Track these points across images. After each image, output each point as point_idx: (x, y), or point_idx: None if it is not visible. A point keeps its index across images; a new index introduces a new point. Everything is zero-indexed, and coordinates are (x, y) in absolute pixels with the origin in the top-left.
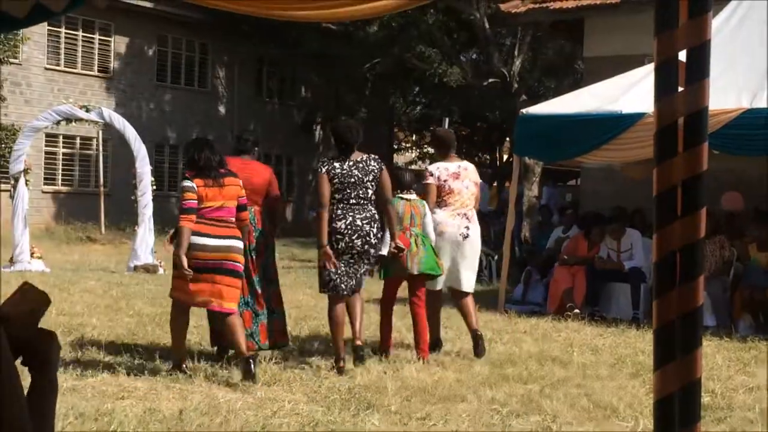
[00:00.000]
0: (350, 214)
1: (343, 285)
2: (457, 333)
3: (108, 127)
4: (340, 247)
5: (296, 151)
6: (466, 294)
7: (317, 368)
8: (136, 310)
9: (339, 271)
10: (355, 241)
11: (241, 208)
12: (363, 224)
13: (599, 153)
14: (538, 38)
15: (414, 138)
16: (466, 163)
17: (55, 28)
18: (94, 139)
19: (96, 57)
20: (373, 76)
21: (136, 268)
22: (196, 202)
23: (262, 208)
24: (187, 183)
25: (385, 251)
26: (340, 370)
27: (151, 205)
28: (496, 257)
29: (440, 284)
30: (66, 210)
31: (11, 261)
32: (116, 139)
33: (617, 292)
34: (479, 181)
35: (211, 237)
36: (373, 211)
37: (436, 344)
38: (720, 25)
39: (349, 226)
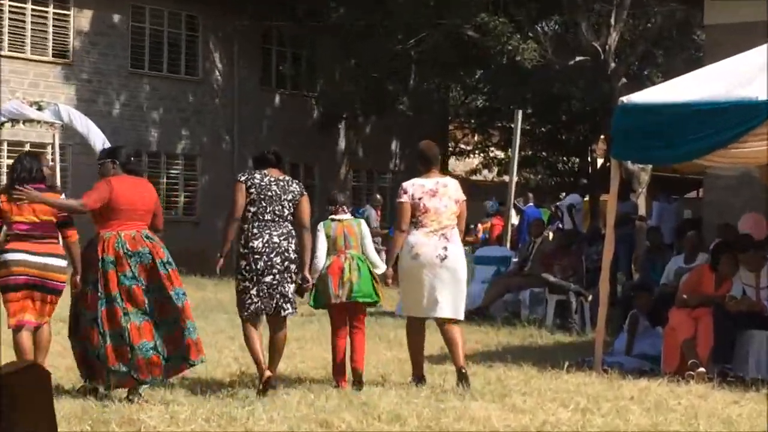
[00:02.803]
0: (266, 231)
1: (263, 306)
2: (539, 400)
3: (67, 130)
4: (259, 267)
5: (316, 157)
6: (448, 321)
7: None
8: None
9: (262, 293)
10: (274, 258)
11: (63, 224)
12: (281, 240)
13: (727, 153)
14: (643, 1)
15: (476, 138)
16: (446, 179)
17: None
18: (49, 146)
19: (50, 37)
20: (419, 55)
21: None
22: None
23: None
24: None
25: (312, 280)
26: (267, 383)
27: None
28: (590, 298)
29: (420, 312)
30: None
31: None
32: (78, 145)
33: (756, 343)
34: (462, 198)
35: (29, 253)
36: (290, 228)
37: (419, 379)
38: None
39: (266, 244)
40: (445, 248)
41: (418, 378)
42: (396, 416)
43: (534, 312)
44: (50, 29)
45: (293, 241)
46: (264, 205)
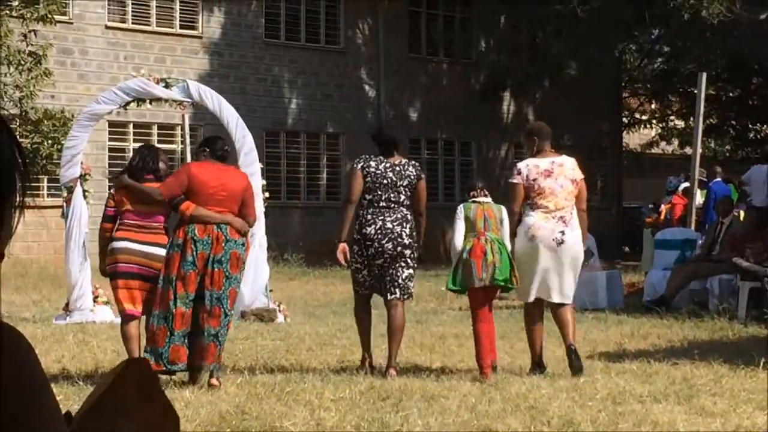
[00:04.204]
0: (380, 218)
1: (378, 285)
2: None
3: (197, 109)
4: (370, 252)
5: (474, 132)
6: (561, 305)
7: None
8: (247, 376)
9: (373, 273)
10: (386, 245)
11: (175, 206)
12: (393, 226)
13: None
14: None
15: (653, 106)
16: (562, 158)
17: None
18: (179, 127)
19: (177, 7)
20: (588, 13)
21: (243, 314)
22: (113, 209)
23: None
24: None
25: (454, 260)
26: (371, 367)
27: (263, 220)
28: None
29: (532, 295)
30: None
31: (66, 309)
32: (210, 125)
33: None
34: (580, 176)
35: (135, 242)
36: (406, 212)
37: (538, 366)
38: None
39: (378, 231)
40: (562, 233)
41: (538, 365)
42: (568, 421)
43: (724, 302)
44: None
45: (408, 226)
46: (379, 193)
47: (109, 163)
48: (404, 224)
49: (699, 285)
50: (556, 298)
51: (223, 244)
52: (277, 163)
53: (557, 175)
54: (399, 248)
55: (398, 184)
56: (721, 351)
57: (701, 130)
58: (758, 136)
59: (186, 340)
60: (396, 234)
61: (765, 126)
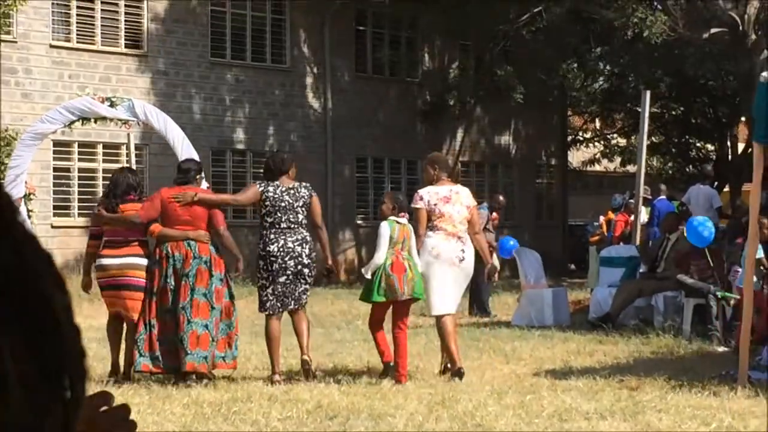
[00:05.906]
0: (282, 237)
1: (279, 304)
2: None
3: (143, 128)
4: (274, 268)
5: (421, 151)
6: (447, 315)
7: None
8: (193, 396)
9: (276, 292)
10: (288, 262)
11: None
12: (295, 246)
13: None
14: None
15: (597, 125)
16: (458, 187)
17: None
18: (124, 147)
19: (122, 27)
20: (533, 35)
21: None
22: (97, 228)
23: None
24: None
25: (368, 275)
26: (275, 382)
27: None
28: (732, 301)
29: (437, 310)
30: None
31: None
32: (156, 144)
33: None
34: (473, 204)
35: (109, 257)
36: (305, 234)
37: (457, 373)
38: None
39: (281, 249)
40: (463, 251)
41: (458, 372)
42: None
43: (669, 319)
44: (122, 17)
45: (307, 246)
46: (279, 215)
47: (53, 183)
48: (304, 245)
49: (644, 302)
50: (451, 310)
51: (191, 261)
52: (224, 182)
53: (455, 202)
54: (299, 267)
55: (294, 205)
56: (666, 367)
57: (645, 148)
58: (699, 154)
59: (169, 345)
60: (297, 254)
61: (707, 144)
